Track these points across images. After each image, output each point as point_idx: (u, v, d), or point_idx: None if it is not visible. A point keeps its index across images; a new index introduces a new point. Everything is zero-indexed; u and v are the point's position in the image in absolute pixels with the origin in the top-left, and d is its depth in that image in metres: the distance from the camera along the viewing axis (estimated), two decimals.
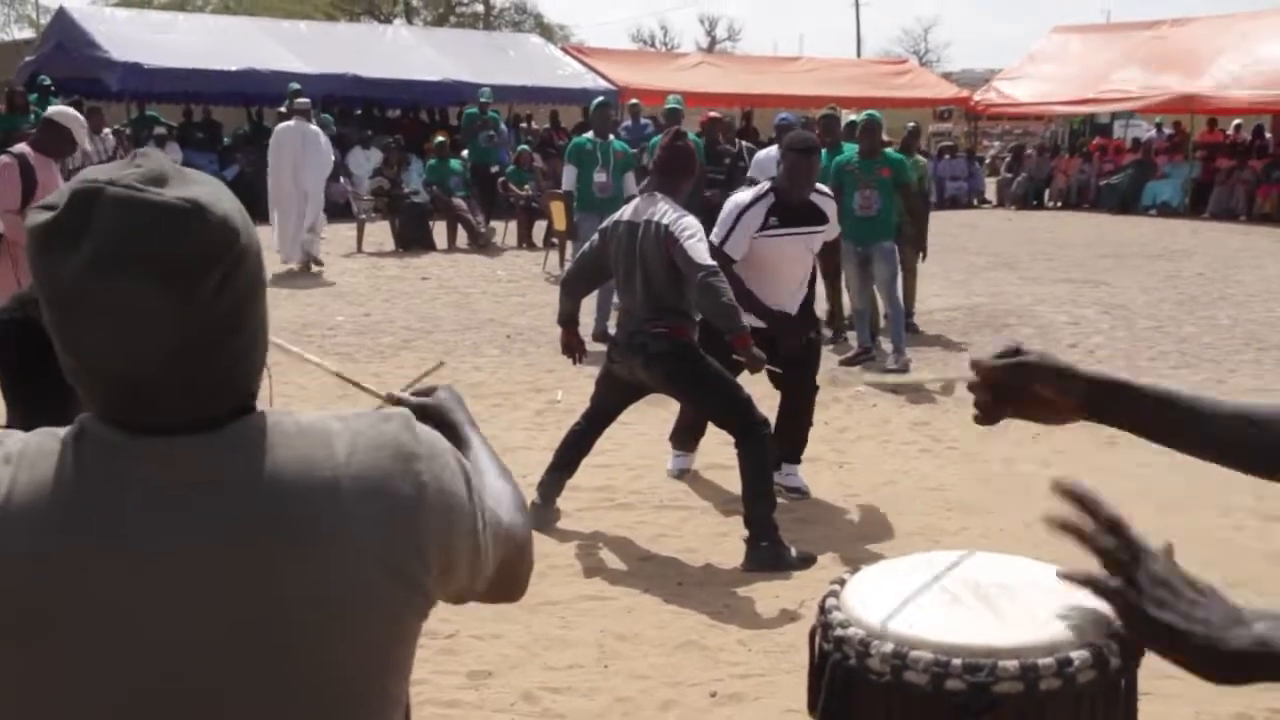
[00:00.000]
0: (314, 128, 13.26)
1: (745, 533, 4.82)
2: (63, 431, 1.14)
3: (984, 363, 1.38)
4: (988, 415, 1.41)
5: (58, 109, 6.62)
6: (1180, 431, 1.35)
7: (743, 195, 5.78)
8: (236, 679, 1.12)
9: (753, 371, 4.94)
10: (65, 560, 1.09)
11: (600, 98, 11.65)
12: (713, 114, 11.46)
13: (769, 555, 4.76)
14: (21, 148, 6.37)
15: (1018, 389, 1.37)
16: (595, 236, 5.31)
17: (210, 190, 1.13)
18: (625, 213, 5.18)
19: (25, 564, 1.09)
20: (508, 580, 1.36)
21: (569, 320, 5.40)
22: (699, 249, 4.83)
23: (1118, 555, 1.16)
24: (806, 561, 4.77)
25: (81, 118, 6.71)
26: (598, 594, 4.50)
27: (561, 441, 5.36)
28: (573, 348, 5.42)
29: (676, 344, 4.98)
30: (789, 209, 5.60)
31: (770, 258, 5.60)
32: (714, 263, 4.87)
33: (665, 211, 4.95)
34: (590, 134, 9.97)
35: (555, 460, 5.29)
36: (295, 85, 15.90)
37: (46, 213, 1.09)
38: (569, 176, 9.79)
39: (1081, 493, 1.19)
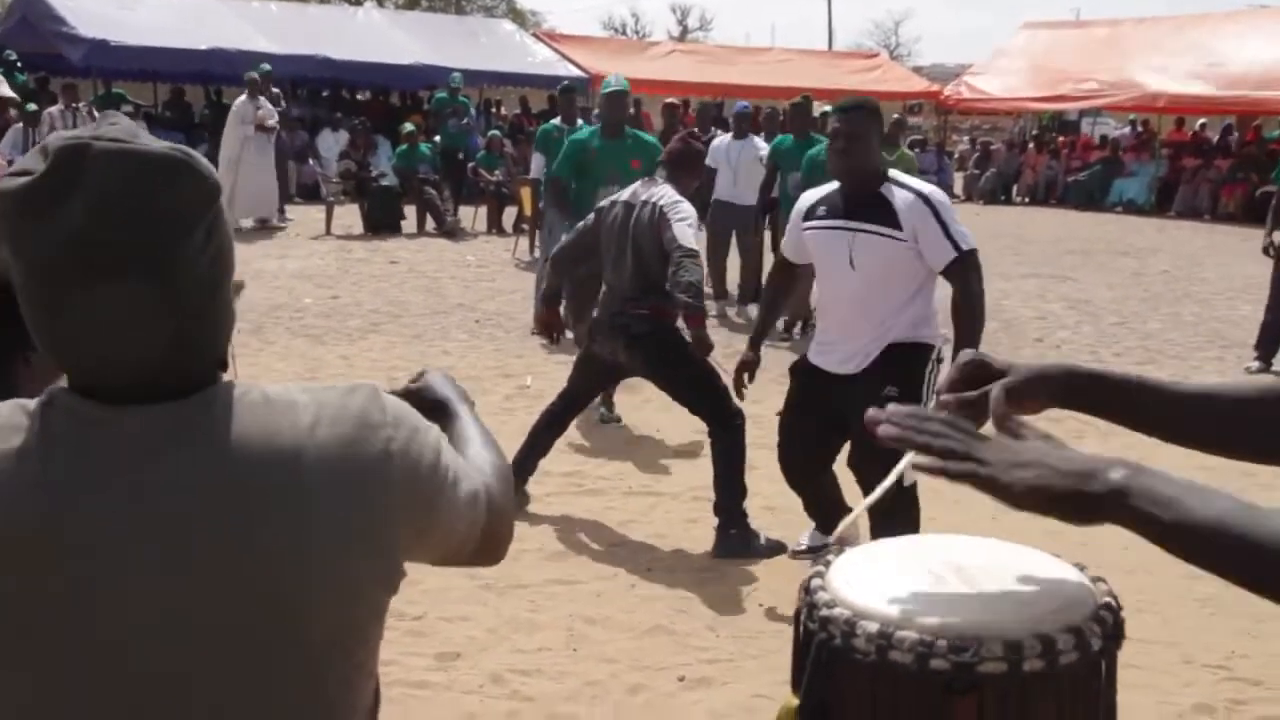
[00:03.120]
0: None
1: (715, 520, 4.82)
2: (31, 403, 1.14)
3: (957, 399, 1.39)
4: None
5: None
6: (1150, 416, 1.38)
7: None
8: (204, 647, 1.12)
9: (702, 354, 4.88)
10: (38, 528, 1.08)
11: (566, 83, 11.33)
12: (670, 100, 11.49)
13: (738, 542, 4.76)
14: None
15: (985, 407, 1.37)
16: (590, 215, 5.33)
17: (186, 147, 1.14)
18: (623, 194, 5.21)
19: None
20: (489, 546, 1.37)
21: (553, 298, 5.41)
22: (686, 232, 4.87)
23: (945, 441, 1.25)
24: (775, 549, 4.78)
25: (2, 81, 6.40)
26: (567, 578, 4.50)
27: (535, 424, 5.34)
28: (551, 326, 5.42)
29: (659, 326, 4.98)
30: (846, 197, 4.18)
31: (815, 260, 4.34)
32: (695, 248, 4.89)
33: (664, 194, 5.02)
34: (557, 120, 9.87)
35: (528, 442, 5.27)
36: (265, 66, 15.79)
37: (23, 176, 1.08)
38: (537, 164, 9.70)
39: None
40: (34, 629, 1.10)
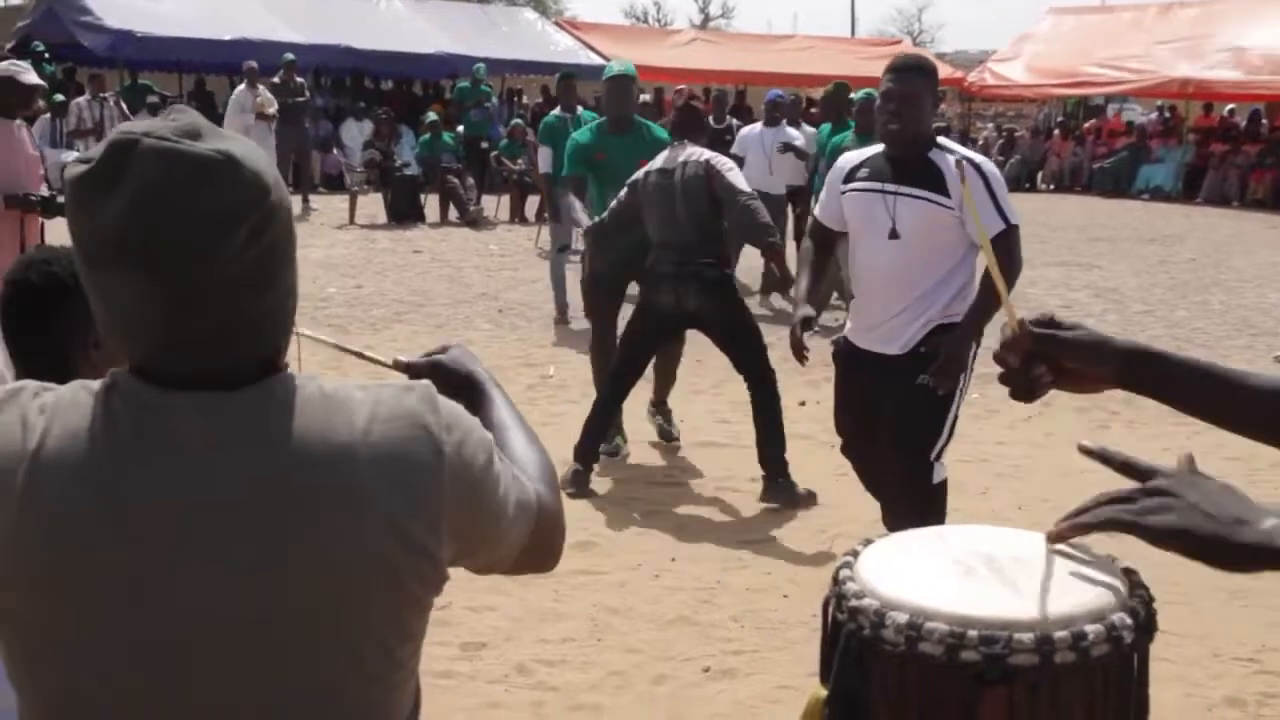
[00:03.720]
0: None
1: (742, 502, 4.84)
2: (96, 384, 1.17)
3: (1024, 327, 1.38)
4: (1025, 391, 1.41)
5: (9, 64, 6.35)
6: (1214, 402, 1.36)
7: None
8: (249, 640, 1.13)
9: (782, 288, 5.27)
10: (89, 507, 1.11)
11: (564, 70, 10.78)
12: (679, 88, 11.43)
13: (784, 490, 5.17)
14: None
15: (1050, 360, 1.37)
16: (624, 191, 5.42)
17: (244, 146, 1.15)
18: (655, 163, 5.37)
19: (53, 510, 1.11)
20: (540, 550, 1.37)
21: (600, 280, 5.76)
22: (739, 178, 5.18)
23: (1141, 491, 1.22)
24: (811, 498, 5.20)
25: (23, 65, 6.36)
26: (591, 568, 4.50)
27: (601, 398, 5.49)
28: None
29: (725, 275, 5.32)
30: (890, 160, 3.90)
31: (851, 226, 4.05)
32: (751, 190, 5.19)
33: (700, 151, 5.28)
34: (558, 110, 9.57)
35: (595, 421, 5.41)
36: (290, 55, 15.84)
37: (83, 165, 1.12)
38: (544, 157, 9.19)
39: (1099, 448, 1.29)
40: (90, 606, 1.11)
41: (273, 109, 14.98)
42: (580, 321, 8.86)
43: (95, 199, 1.10)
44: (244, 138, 1.19)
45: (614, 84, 6.14)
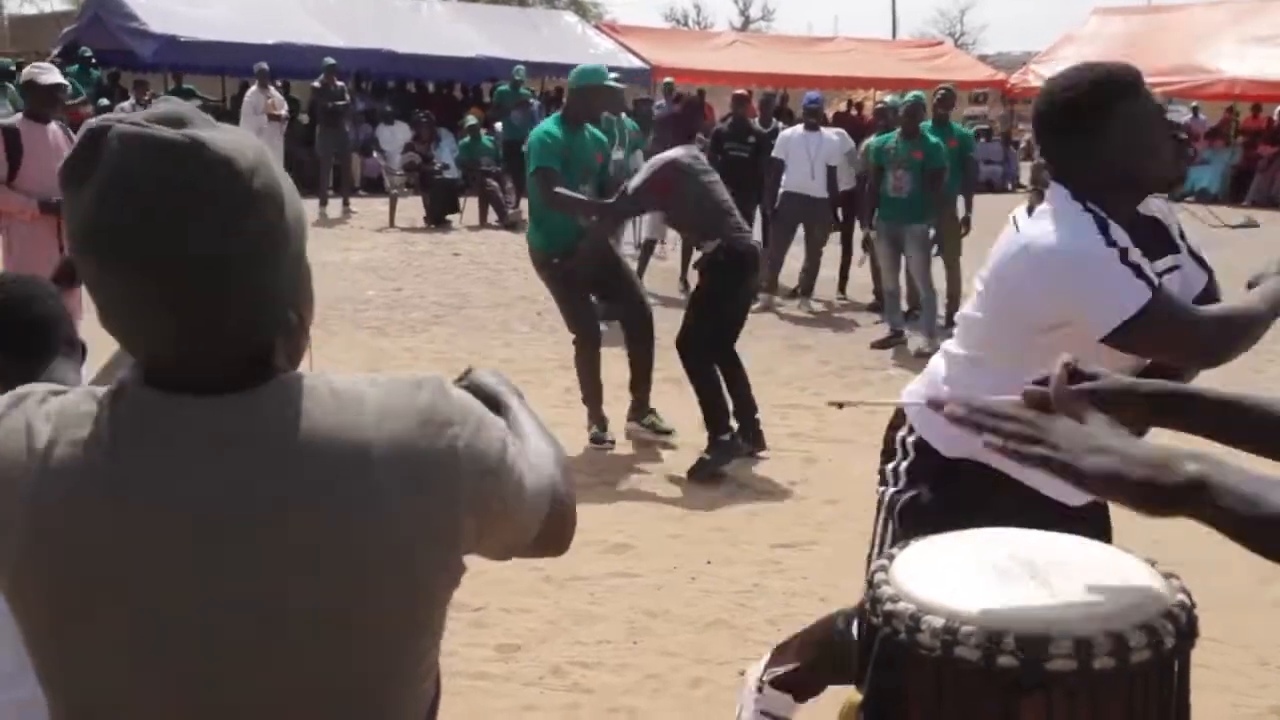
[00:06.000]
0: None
1: (772, 512, 4.81)
2: (101, 390, 1.16)
3: (1059, 392, 1.34)
4: None
5: (30, 68, 6.43)
6: (1243, 434, 1.36)
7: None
8: (265, 636, 1.13)
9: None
10: (100, 512, 1.10)
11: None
12: (739, 92, 11.37)
13: (728, 449, 5.64)
14: (14, 120, 6.16)
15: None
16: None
17: (226, 135, 1.12)
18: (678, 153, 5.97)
19: (61, 514, 1.10)
20: (552, 537, 1.37)
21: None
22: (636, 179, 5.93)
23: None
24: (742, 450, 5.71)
25: (44, 66, 6.42)
26: (627, 570, 4.49)
27: (717, 392, 5.71)
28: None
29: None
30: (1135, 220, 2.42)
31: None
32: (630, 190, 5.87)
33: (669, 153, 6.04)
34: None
35: (727, 389, 5.75)
36: (331, 60, 15.97)
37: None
38: None
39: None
40: (103, 611, 1.11)
41: (283, 109, 15.33)
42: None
43: (73, 189, 1.10)
44: (236, 129, 1.16)
45: (609, 89, 6.23)
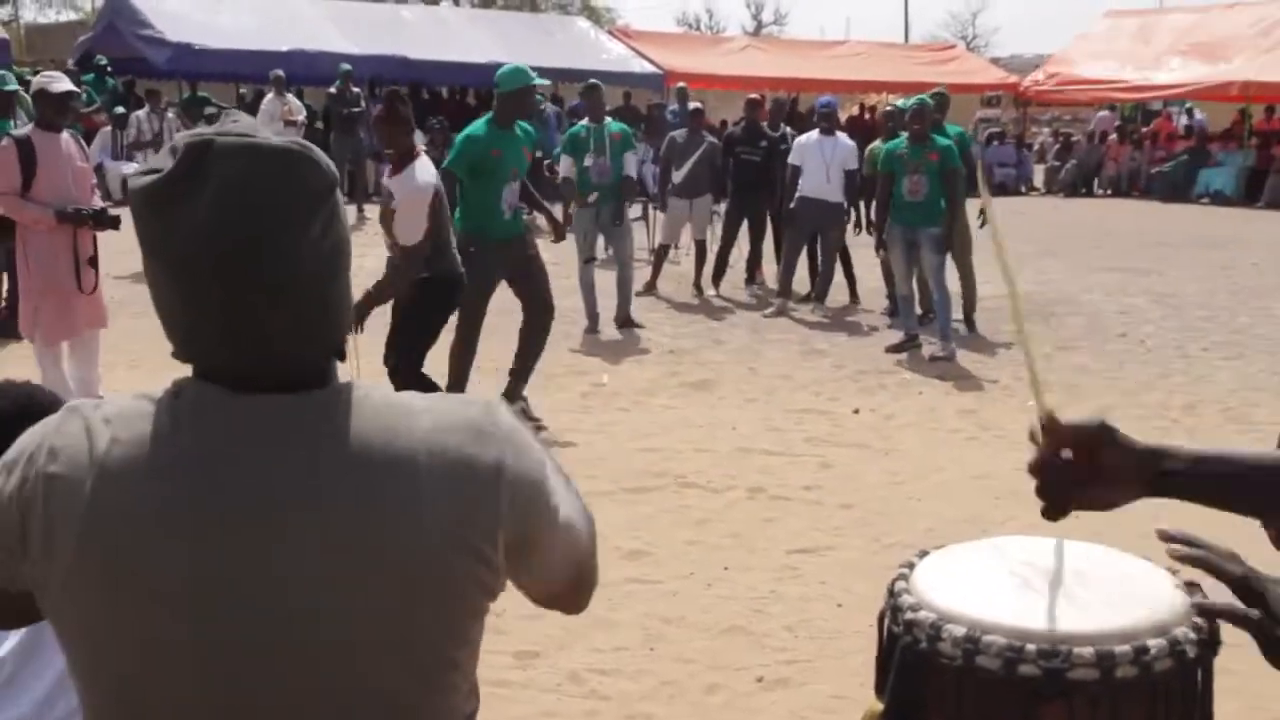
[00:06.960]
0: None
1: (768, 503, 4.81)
2: (158, 392, 1.19)
3: (1069, 427, 1.33)
4: (1061, 501, 1.34)
5: (40, 77, 6.41)
6: (1243, 505, 1.36)
7: None
8: (309, 636, 1.15)
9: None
10: (160, 512, 1.13)
11: (590, 80, 10.57)
12: (752, 96, 11.37)
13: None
14: (26, 130, 6.13)
15: (1089, 453, 1.32)
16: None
17: (304, 141, 1.18)
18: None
19: (120, 512, 1.13)
20: (575, 585, 1.39)
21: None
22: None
23: (1250, 584, 1.26)
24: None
25: (54, 75, 6.40)
26: (643, 577, 4.49)
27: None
28: None
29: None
30: None
31: None
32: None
33: None
34: (585, 121, 9.73)
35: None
36: (346, 66, 16.03)
37: (153, 174, 1.13)
38: (565, 166, 9.48)
39: (1186, 535, 1.30)
40: (156, 607, 1.13)
41: (300, 116, 15.47)
42: (610, 331, 8.91)
43: (177, 204, 1.12)
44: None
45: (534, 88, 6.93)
